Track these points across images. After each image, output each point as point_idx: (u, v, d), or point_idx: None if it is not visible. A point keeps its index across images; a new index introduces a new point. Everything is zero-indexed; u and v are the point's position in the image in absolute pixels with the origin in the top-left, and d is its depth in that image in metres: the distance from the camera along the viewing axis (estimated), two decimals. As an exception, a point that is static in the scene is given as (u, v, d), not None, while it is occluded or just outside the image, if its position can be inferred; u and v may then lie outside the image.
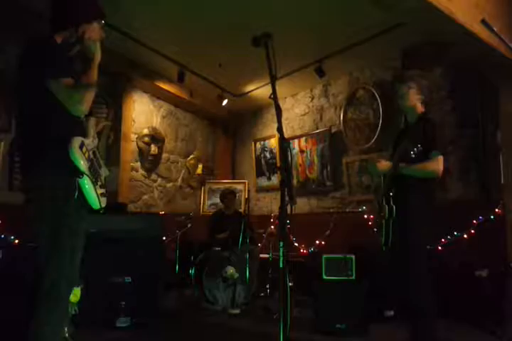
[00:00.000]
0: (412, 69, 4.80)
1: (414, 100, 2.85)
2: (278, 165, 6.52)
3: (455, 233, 4.08)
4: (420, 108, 2.87)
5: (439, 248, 4.09)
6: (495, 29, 2.26)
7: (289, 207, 1.69)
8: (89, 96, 1.92)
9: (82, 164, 1.86)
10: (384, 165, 2.81)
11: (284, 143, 1.71)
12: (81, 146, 1.89)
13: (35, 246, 1.97)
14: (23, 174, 1.99)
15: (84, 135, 1.99)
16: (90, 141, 2.02)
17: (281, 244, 1.61)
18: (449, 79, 4.54)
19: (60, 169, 1.86)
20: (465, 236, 4.02)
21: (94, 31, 2.15)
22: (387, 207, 2.71)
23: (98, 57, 2.08)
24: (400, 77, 3.17)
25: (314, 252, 5.25)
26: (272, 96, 1.83)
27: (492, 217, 3.93)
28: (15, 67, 1.99)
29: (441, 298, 2.80)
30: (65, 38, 2.06)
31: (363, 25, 4.38)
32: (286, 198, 1.68)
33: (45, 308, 1.83)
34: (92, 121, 2.10)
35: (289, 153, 1.68)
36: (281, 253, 1.59)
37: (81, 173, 1.86)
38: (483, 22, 2.32)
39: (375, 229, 2.99)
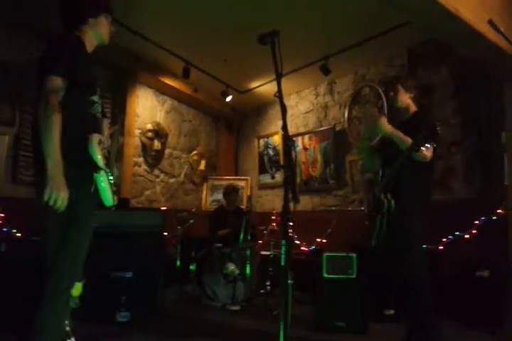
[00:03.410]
0: (417, 68, 4.85)
1: (405, 100, 2.91)
2: (281, 162, 6.52)
3: (457, 233, 4.08)
4: (413, 107, 2.93)
5: (441, 247, 4.09)
6: (501, 29, 2.24)
7: (291, 206, 1.69)
8: (47, 132, 1.79)
9: (100, 159, 1.88)
10: (386, 122, 2.86)
11: (289, 142, 1.70)
12: (99, 143, 1.91)
13: (41, 239, 1.98)
14: (36, 168, 1.98)
15: (101, 133, 2.00)
16: (105, 140, 2.03)
17: (284, 242, 1.61)
18: (455, 78, 4.52)
19: (77, 163, 1.86)
20: (467, 236, 4.02)
21: (101, 25, 2.15)
22: (386, 201, 2.72)
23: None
24: (388, 83, 3.22)
25: (315, 250, 5.25)
26: (278, 94, 1.83)
27: (495, 217, 3.92)
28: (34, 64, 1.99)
29: (442, 298, 2.81)
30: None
31: (369, 23, 4.37)
32: (290, 196, 1.68)
33: (49, 301, 1.84)
34: (106, 122, 2.12)
35: (293, 152, 1.68)
36: (283, 252, 1.59)
37: (98, 168, 1.88)
38: (490, 22, 2.31)
39: (367, 223, 2.99)
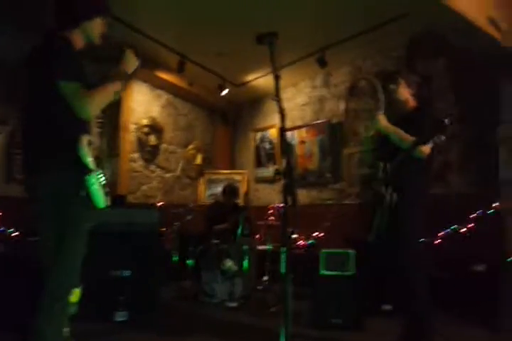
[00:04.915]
0: (415, 60, 4.83)
1: (405, 94, 2.91)
2: (278, 161, 6.49)
3: (453, 227, 4.09)
4: (412, 102, 2.92)
5: (436, 241, 4.10)
6: (501, 26, 2.21)
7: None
8: (102, 102, 1.93)
9: (90, 162, 1.88)
10: (383, 119, 2.91)
11: (288, 147, 1.69)
12: (88, 144, 1.91)
13: (37, 240, 1.98)
14: (28, 171, 1.97)
15: (89, 133, 1.99)
16: (94, 139, 2.02)
17: (284, 249, 1.60)
18: (452, 70, 4.50)
19: (68, 167, 1.86)
20: (463, 230, 4.04)
21: (94, 27, 2.13)
22: (387, 195, 2.74)
23: (128, 67, 2.10)
24: (388, 76, 3.21)
25: (313, 244, 5.27)
26: (275, 98, 1.81)
27: (490, 211, 3.93)
28: (23, 63, 1.99)
29: (437, 292, 2.83)
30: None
31: (365, 15, 4.34)
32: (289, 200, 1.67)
33: (46, 308, 1.84)
34: (94, 120, 2.10)
35: (292, 159, 1.67)
36: (283, 259, 1.58)
37: (89, 171, 1.87)
38: (490, 19, 2.29)
39: (367, 218, 3.01)
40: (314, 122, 6.03)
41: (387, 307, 3.73)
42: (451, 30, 3.76)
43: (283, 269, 1.59)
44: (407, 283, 2.71)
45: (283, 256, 1.58)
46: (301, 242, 5.43)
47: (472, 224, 4.00)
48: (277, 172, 1.57)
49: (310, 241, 5.33)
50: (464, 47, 3.80)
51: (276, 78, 1.88)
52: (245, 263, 4.34)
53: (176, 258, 4.81)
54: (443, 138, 2.57)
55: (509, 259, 3.50)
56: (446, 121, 2.56)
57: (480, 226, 3.95)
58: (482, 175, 4.20)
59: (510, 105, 3.86)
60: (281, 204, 1.67)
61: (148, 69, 5.60)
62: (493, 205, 3.92)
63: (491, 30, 3.22)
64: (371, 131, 3.07)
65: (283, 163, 1.69)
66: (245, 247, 4.43)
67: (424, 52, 4.77)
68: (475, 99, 4.27)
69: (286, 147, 1.73)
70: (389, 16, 4.33)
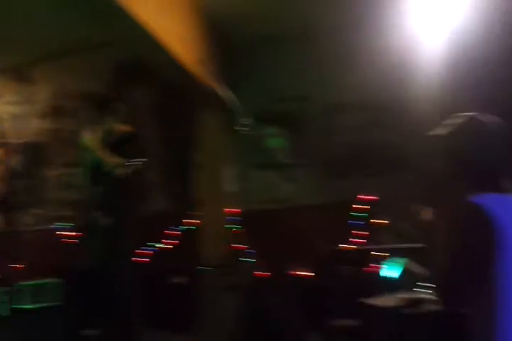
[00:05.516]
0: (121, 85, 5.01)
1: (114, 121, 3.08)
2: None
3: (156, 243, 4.37)
4: (120, 128, 3.10)
5: (140, 258, 4.26)
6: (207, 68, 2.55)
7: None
8: None
9: None
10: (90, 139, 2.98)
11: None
12: None
13: None
14: None
15: None
16: None
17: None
18: (158, 97, 4.90)
19: None
20: (164, 245, 4.36)
21: None
22: (99, 218, 2.75)
23: None
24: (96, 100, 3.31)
25: (9, 277, 4.65)
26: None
27: (188, 227, 4.39)
28: None
29: (142, 305, 2.98)
30: None
31: (75, 37, 4.26)
32: None
33: None
34: None
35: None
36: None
37: None
38: (200, 62, 2.65)
39: (80, 242, 2.97)
40: (11, 141, 5.44)
41: (93, 332, 3.60)
42: (156, 62, 4.11)
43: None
44: (122, 303, 2.75)
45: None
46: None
47: (173, 240, 4.37)
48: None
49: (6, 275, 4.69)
50: (169, 78, 4.21)
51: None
52: None
53: None
54: (141, 161, 2.79)
55: (201, 268, 3.88)
56: (144, 148, 2.81)
57: (181, 241, 4.35)
58: (181, 194, 4.67)
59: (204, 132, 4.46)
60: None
61: None
62: (191, 221, 4.38)
63: (195, 68, 3.67)
64: (82, 150, 3.04)
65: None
66: None
67: (129, 79, 5.03)
68: (177, 125, 4.72)
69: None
70: (96, 41, 4.38)
